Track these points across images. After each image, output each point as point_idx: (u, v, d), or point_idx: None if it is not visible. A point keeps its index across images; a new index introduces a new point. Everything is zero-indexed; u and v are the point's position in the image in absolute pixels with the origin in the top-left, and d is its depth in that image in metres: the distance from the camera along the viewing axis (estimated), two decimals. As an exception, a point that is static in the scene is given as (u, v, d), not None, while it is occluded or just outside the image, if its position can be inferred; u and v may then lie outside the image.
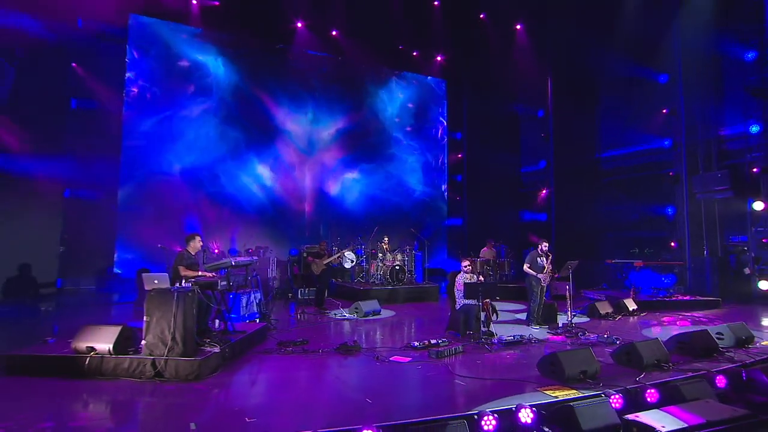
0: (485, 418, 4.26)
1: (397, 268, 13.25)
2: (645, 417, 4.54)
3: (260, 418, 4.38)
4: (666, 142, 14.52)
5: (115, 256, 13.96)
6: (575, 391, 5.07)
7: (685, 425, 4.42)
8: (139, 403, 4.99)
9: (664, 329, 8.91)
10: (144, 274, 6.18)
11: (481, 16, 18.01)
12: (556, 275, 9.36)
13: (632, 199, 15.80)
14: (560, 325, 8.79)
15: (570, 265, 8.91)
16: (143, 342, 5.65)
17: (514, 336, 7.59)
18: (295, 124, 17.31)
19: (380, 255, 13.55)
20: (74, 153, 12.41)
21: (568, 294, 8.89)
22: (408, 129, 19.86)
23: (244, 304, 9.03)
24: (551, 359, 5.66)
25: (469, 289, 7.72)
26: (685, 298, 11.85)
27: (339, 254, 12.66)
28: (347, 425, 4.06)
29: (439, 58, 19.71)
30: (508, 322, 9.50)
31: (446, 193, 20.80)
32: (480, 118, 19.73)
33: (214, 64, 15.97)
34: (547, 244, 9.21)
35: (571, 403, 4.61)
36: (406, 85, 19.89)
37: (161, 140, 14.92)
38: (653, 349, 6.18)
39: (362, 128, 18.57)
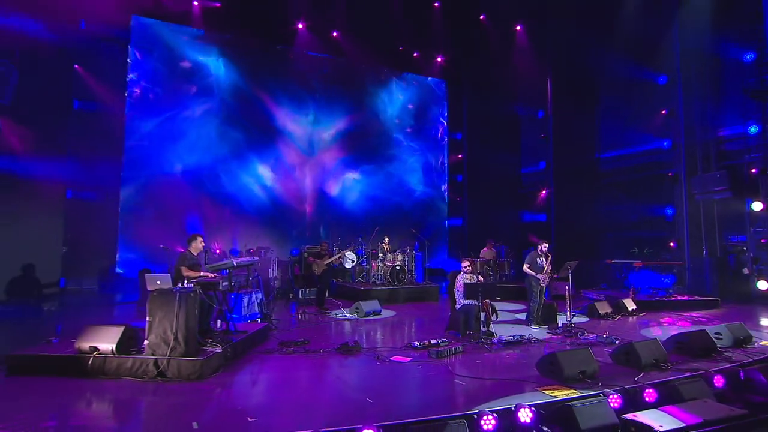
0: (485, 417, 4.29)
1: (398, 268, 13.29)
2: (643, 416, 4.56)
3: (262, 418, 4.42)
4: (665, 143, 14.55)
5: (117, 256, 14.03)
6: (574, 391, 5.10)
7: (683, 425, 4.44)
8: (142, 403, 5.03)
9: (663, 329, 8.95)
10: (147, 275, 6.22)
11: (481, 17, 18.07)
12: (555, 275, 9.39)
13: (632, 200, 15.83)
14: (560, 325, 8.81)
15: (569, 265, 8.94)
16: (146, 342, 5.69)
17: (513, 336, 7.62)
18: (295, 124, 17.36)
19: (381, 255, 13.59)
20: (76, 154, 12.47)
21: (567, 294, 8.91)
22: (408, 130, 19.91)
23: (246, 305, 9.08)
24: (550, 359, 5.70)
25: (469, 290, 7.76)
26: (684, 298, 11.88)
27: (340, 254, 12.71)
28: (348, 425, 4.09)
29: (439, 59, 19.76)
30: (507, 322, 9.53)
31: (446, 194, 20.85)
32: (480, 119, 19.76)
33: (215, 65, 16.02)
34: (546, 245, 9.25)
35: (570, 403, 4.63)
36: (406, 86, 19.94)
37: (163, 141, 14.98)
38: (652, 349, 6.21)
39: (363, 129, 18.61)
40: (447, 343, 7.17)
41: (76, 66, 13.11)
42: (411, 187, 19.85)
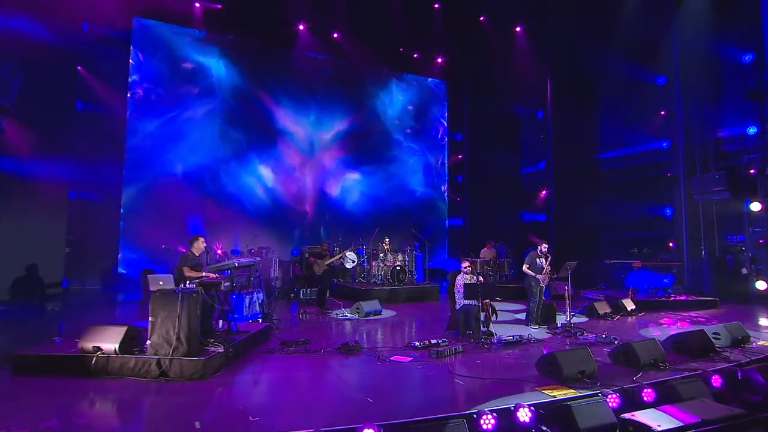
0: (484, 417, 4.31)
1: (398, 268, 13.33)
2: (641, 416, 4.58)
3: (263, 417, 4.45)
4: (664, 144, 14.59)
5: (119, 255, 14.11)
6: (573, 391, 5.13)
7: (681, 424, 4.45)
8: (145, 402, 5.07)
9: (662, 329, 8.99)
10: (149, 276, 6.26)
11: (481, 18, 18.10)
12: (554, 276, 9.43)
13: (631, 200, 15.87)
14: (559, 325, 8.83)
15: (569, 265, 8.97)
16: (148, 342, 5.74)
17: (513, 336, 7.65)
18: (296, 125, 17.42)
19: (381, 255, 13.63)
20: (79, 155, 12.55)
21: (567, 294, 8.95)
22: (408, 130, 19.96)
23: (247, 305, 9.12)
24: (549, 359, 5.73)
25: (469, 290, 7.80)
26: (683, 298, 11.91)
27: (340, 255, 12.77)
28: (349, 424, 4.11)
29: (439, 60, 19.81)
30: (507, 322, 9.57)
31: (447, 194, 20.90)
32: (480, 120, 19.82)
33: (217, 66, 16.09)
34: (546, 246, 9.29)
35: (569, 403, 4.66)
36: (406, 87, 19.98)
37: (165, 142, 15.06)
38: (650, 349, 6.24)
39: (363, 130, 18.67)
40: (447, 343, 7.20)
41: (79, 68, 13.19)
42: (411, 187, 19.90)
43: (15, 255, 10.10)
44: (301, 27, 16.78)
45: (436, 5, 17.60)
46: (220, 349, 6.02)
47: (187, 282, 6.43)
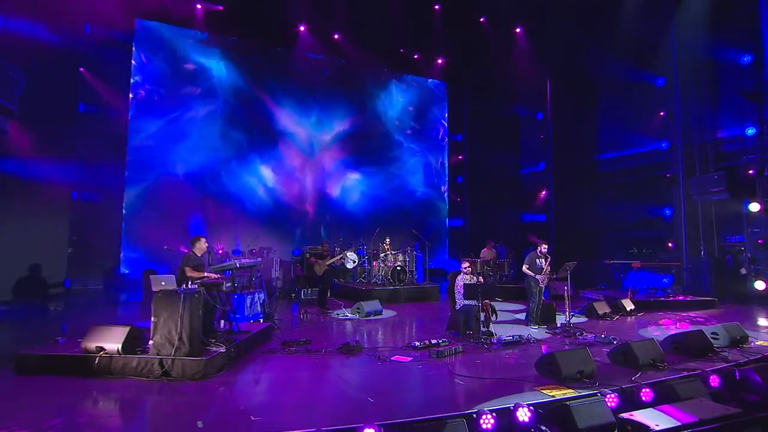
0: (484, 416, 4.34)
1: (399, 268, 13.35)
2: (639, 416, 4.61)
3: (265, 417, 4.48)
4: (664, 144, 14.64)
5: (121, 255, 14.18)
6: (572, 391, 5.16)
7: (679, 423, 4.49)
8: (147, 402, 5.11)
9: (661, 329, 9.02)
10: (152, 276, 6.30)
11: (482, 19, 18.13)
12: (554, 276, 9.47)
13: (631, 200, 15.92)
14: (558, 325, 8.86)
15: (568, 266, 8.99)
16: (151, 342, 5.78)
17: (513, 336, 7.69)
18: (297, 126, 17.47)
19: (382, 255, 13.67)
20: (82, 156, 12.61)
21: (566, 294, 8.97)
22: (409, 131, 20.00)
23: (249, 305, 9.17)
24: (549, 359, 5.75)
25: (469, 290, 7.84)
26: (681, 298, 11.95)
27: (341, 255, 12.82)
28: (350, 424, 4.14)
29: (439, 61, 19.85)
30: (507, 322, 9.60)
31: (447, 194, 20.94)
32: (480, 120, 19.86)
33: (218, 67, 16.14)
34: (546, 246, 9.32)
35: (568, 403, 4.68)
36: (406, 88, 20.03)
37: (166, 142, 15.12)
38: (649, 349, 6.28)
39: (364, 130, 18.72)
40: (447, 343, 7.23)
41: (82, 69, 13.23)
42: (412, 187, 19.94)
43: (18, 255, 10.15)
44: (301, 28, 16.82)
45: (437, 6, 17.63)
46: (222, 349, 6.06)
47: (189, 282, 6.47)
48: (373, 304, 10.53)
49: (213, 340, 6.29)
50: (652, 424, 4.44)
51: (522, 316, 9.91)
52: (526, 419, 4.47)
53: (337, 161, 18.22)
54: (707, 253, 13.54)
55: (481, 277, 8.74)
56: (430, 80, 20.58)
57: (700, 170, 13.62)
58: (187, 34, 15.54)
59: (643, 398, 5.16)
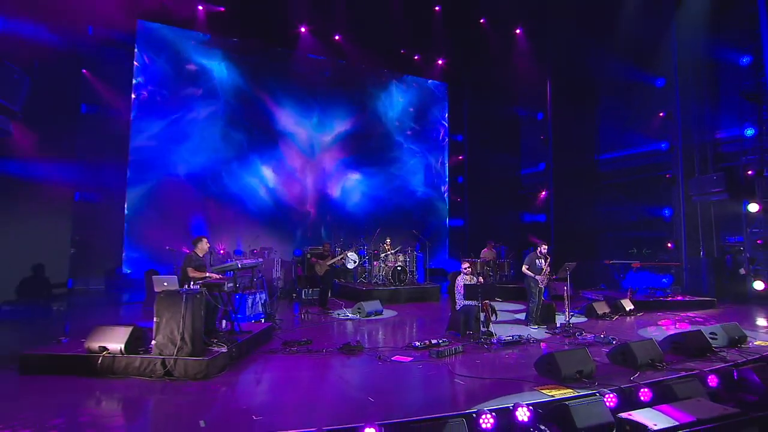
0: (483, 416, 4.37)
1: (399, 268, 13.40)
2: (638, 415, 4.65)
3: (266, 416, 4.51)
4: (663, 145, 14.68)
5: (123, 255, 14.23)
6: (571, 390, 5.19)
7: (676, 423, 4.52)
8: (150, 401, 5.15)
9: (660, 329, 9.06)
10: (154, 277, 6.33)
11: (482, 20, 18.18)
12: (553, 277, 9.51)
13: (630, 201, 15.96)
14: (558, 325, 8.90)
15: (567, 266, 9.02)
16: (153, 342, 5.82)
17: (512, 336, 7.72)
18: (297, 126, 17.50)
19: (382, 256, 13.71)
20: (84, 157, 12.64)
21: (566, 294, 9.00)
22: (409, 132, 20.03)
23: (250, 305, 9.21)
24: (548, 359, 5.79)
25: (469, 291, 7.88)
26: (681, 298, 11.99)
27: (342, 255, 12.86)
28: (350, 423, 4.17)
29: (440, 62, 19.88)
30: (507, 322, 9.64)
31: (447, 195, 20.97)
32: (480, 121, 19.90)
33: (219, 68, 16.17)
34: (546, 247, 9.36)
35: (567, 402, 4.72)
36: (406, 89, 20.06)
37: (168, 143, 15.16)
38: (648, 349, 6.31)
39: (364, 131, 18.75)
40: (447, 343, 7.27)
41: (84, 71, 13.27)
42: (412, 188, 19.98)
43: (21, 256, 10.19)
44: (302, 29, 16.86)
45: (437, 7, 17.68)
46: (224, 349, 6.10)
47: (191, 283, 6.51)
48: (373, 304, 10.57)
49: (215, 340, 6.33)
50: (650, 424, 4.47)
51: (522, 316, 9.95)
52: (526, 419, 4.50)
53: (338, 162, 18.26)
54: (706, 253, 13.58)
55: (481, 278, 8.78)
56: (430, 81, 20.61)
57: (700, 171, 13.66)
58: (189, 35, 15.59)
59: (642, 398, 5.20)
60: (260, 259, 10.27)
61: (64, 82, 11.31)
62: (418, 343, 7.19)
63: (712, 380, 5.78)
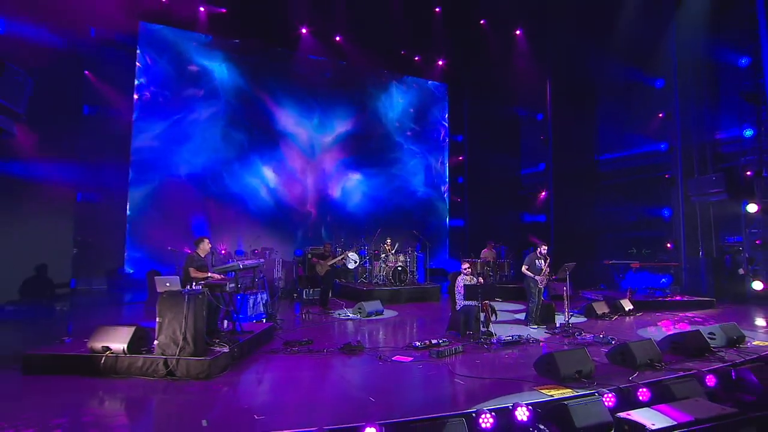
0: (483, 416, 4.40)
1: (400, 268, 13.43)
2: (636, 415, 4.67)
3: (268, 416, 4.54)
4: (662, 146, 14.72)
5: (126, 255, 14.26)
6: (570, 390, 5.22)
7: (674, 423, 4.55)
8: (152, 401, 5.18)
9: (659, 329, 9.10)
10: (156, 277, 6.37)
11: (482, 21, 18.21)
12: (553, 277, 9.54)
13: (630, 201, 15.98)
14: (558, 325, 8.94)
15: (567, 267, 9.05)
16: (156, 342, 5.86)
17: (512, 336, 7.75)
18: (298, 127, 17.53)
19: (383, 256, 13.75)
20: (86, 158, 12.67)
21: (565, 294, 9.02)
22: (409, 133, 20.06)
23: (251, 305, 9.25)
24: (547, 359, 5.82)
25: (469, 291, 7.91)
26: (680, 298, 12.03)
27: (343, 255, 12.89)
28: (351, 423, 4.21)
29: (440, 63, 19.89)
30: (507, 322, 9.68)
31: (447, 195, 21.00)
32: (481, 121, 19.91)
33: (220, 69, 16.20)
34: (546, 247, 9.39)
35: (566, 402, 4.75)
36: (407, 89, 20.08)
37: (170, 144, 15.19)
38: (647, 349, 6.34)
39: (365, 132, 18.78)
40: (447, 343, 7.30)
41: (86, 72, 13.31)
42: (412, 188, 20.00)
43: (24, 256, 10.22)
44: (303, 30, 16.88)
45: (437, 8, 17.71)
46: (226, 349, 6.14)
47: (193, 283, 6.55)
48: (374, 305, 10.61)
49: (217, 340, 6.37)
50: (648, 424, 4.50)
51: (521, 316, 9.99)
52: (525, 418, 4.54)
53: (338, 162, 18.29)
54: (705, 253, 13.61)
55: (481, 278, 8.82)
56: (430, 82, 20.63)
57: (699, 171, 13.69)
58: (190, 36, 15.61)
59: (640, 398, 5.22)
60: (261, 260, 10.29)
61: (66, 83, 11.35)
62: (418, 343, 7.22)
63: (711, 380, 5.81)
